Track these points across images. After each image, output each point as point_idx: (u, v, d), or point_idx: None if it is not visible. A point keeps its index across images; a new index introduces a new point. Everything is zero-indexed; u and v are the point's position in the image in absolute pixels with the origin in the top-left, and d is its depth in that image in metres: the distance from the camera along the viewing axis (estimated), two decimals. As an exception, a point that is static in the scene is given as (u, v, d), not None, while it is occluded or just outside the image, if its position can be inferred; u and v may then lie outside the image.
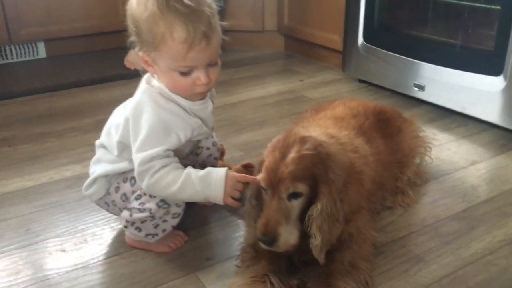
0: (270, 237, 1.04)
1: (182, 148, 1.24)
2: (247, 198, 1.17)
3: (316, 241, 1.06)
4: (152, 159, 1.13)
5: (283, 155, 1.06)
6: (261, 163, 1.11)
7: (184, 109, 1.19)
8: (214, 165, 1.42)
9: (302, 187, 1.05)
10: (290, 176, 1.04)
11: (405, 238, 1.35)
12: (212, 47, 1.11)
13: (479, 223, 1.41)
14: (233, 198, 1.16)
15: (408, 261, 1.25)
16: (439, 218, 1.43)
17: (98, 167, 1.28)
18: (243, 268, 1.18)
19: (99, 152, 1.30)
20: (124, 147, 1.22)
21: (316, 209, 1.05)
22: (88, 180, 1.29)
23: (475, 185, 1.61)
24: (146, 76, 1.22)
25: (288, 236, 1.05)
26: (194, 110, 1.21)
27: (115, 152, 1.23)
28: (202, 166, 1.38)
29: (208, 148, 1.40)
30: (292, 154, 1.05)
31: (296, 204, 1.07)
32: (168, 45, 1.08)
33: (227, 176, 1.15)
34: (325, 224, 1.05)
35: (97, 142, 1.30)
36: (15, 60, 2.91)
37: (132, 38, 1.15)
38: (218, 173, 1.15)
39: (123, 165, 1.25)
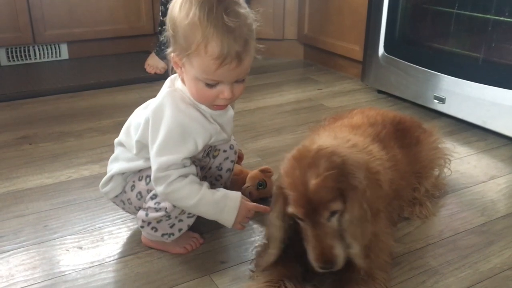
0: (331, 263, 1.05)
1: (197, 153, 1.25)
2: (269, 219, 1.12)
3: (355, 250, 1.07)
4: (168, 167, 1.14)
5: (306, 184, 1.02)
6: (280, 190, 1.08)
7: (203, 115, 1.19)
8: (230, 168, 1.42)
9: (336, 206, 1.04)
10: (323, 202, 1.02)
11: (422, 250, 1.33)
12: (243, 67, 1.11)
13: (498, 237, 1.38)
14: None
15: (425, 273, 1.24)
16: (457, 231, 1.41)
17: (115, 165, 1.29)
18: (258, 273, 1.18)
19: (117, 150, 1.31)
20: (142, 146, 1.23)
21: (345, 220, 1.06)
22: (105, 178, 1.31)
23: (495, 200, 1.58)
24: (171, 77, 1.23)
25: (342, 252, 1.06)
26: (214, 115, 1.21)
27: (134, 151, 1.24)
28: (219, 169, 1.39)
29: (225, 151, 1.41)
30: (314, 180, 1.02)
31: (335, 219, 1.06)
32: (200, 56, 1.08)
33: (240, 204, 1.19)
34: (357, 230, 1.06)
35: (116, 140, 1.31)
36: (39, 60, 2.96)
37: (168, 35, 1.14)
38: (232, 200, 1.19)
39: (139, 164, 1.26)
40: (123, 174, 1.29)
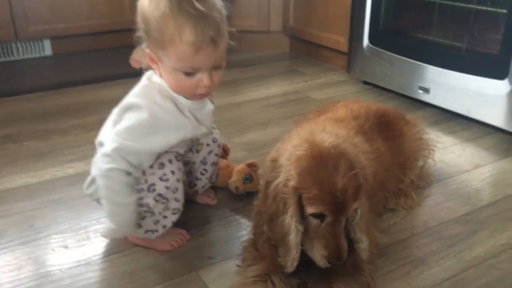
0: (343, 259, 1.06)
1: (177, 149, 1.24)
2: (291, 227, 1.06)
3: (363, 244, 1.10)
4: (128, 154, 1.14)
5: (334, 183, 1.02)
6: (299, 188, 1.05)
7: (180, 109, 1.19)
8: (215, 162, 1.42)
9: (357, 204, 1.06)
10: (349, 202, 1.04)
11: (408, 240, 1.34)
12: (219, 51, 1.12)
13: (482, 226, 1.40)
14: None
15: (410, 263, 1.25)
16: (442, 221, 1.43)
17: None
18: (245, 268, 1.19)
19: (99, 151, 1.30)
20: None
21: (357, 215, 1.08)
22: (88, 179, 1.30)
23: (479, 189, 1.60)
24: (147, 74, 1.23)
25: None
26: (192, 109, 1.21)
27: None
28: (204, 163, 1.39)
29: (208, 145, 1.40)
30: (342, 179, 1.02)
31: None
32: (175, 46, 1.09)
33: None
34: (365, 225, 1.08)
35: (96, 140, 1.30)
36: (21, 57, 2.92)
37: (140, 33, 1.15)
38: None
39: None
40: None
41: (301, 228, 1.06)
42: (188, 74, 1.13)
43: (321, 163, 1.04)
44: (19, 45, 2.89)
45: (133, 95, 1.19)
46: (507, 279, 1.20)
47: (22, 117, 2.16)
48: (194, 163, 1.39)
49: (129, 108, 1.17)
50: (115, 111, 1.22)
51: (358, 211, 1.08)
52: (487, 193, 1.58)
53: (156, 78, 1.20)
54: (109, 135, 1.18)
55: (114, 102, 1.26)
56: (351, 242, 1.12)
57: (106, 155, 1.15)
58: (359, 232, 1.10)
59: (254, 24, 3.11)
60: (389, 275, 1.21)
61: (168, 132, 1.17)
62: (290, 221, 1.05)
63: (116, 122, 1.20)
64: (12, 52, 2.89)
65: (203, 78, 1.13)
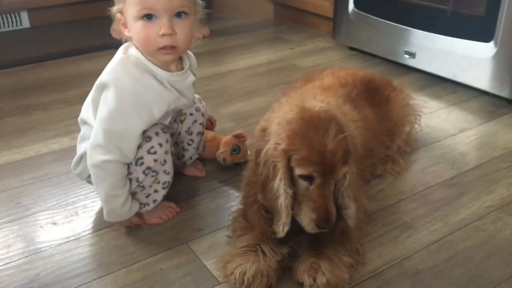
0: (332, 223, 1.06)
1: (162, 121, 1.22)
2: (280, 191, 1.06)
3: (351, 211, 1.11)
4: (124, 139, 1.13)
5: (324, 144, 1.02)
6: (288, 150, 1.05)
7: (160, 81, 1.16)
8: (200, 132, 1.41)
9: (347, 168, 1.06)
10: (339, 164, 1.04)
11: (395, 206, 1.36)
12: None
13: (468, 189, 1.42)
14: None
15: (398, 228, 1.27)
16: (429, 185, 1.45)
17: (82, 144, 1.27)
18: (235, 238, 1.19)
19: (83, 129, 1.28)
20: None
21: (345, 180, 1.09)
22: (75, 159, 1.29)
23: (464, 152, 1.62)
24: (124, 45, 1.19)
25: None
26: (172, 81, 1.18)
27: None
28: (189, 133, 1.37)
29: (191, 114, 1.38)
30: (333, 142, 1.02)
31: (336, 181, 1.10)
32: None
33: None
34: (353, 191, 1.08)
35: (79, 118, 1.28)
36: (-2, 30, 2.84)
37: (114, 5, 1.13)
38: (134, 207, 1.22)
39: None
40: None
41: (290, 191, 1.06)
42: (148, 19, 1.08)
43: (311, 126, 1.04)
44: (-5, 18, 2.80)
45: (110, 72, 1.15)
46: (492, 240, 1.23)
47: (1, 93, 2.11)
48: (180, 133, 1.37)
49: (106, 86, 1.13)
50: (94, 87, 1.19)
51: (347, 176, 1.08)
52: (473, 157, 1.60)
53: (132, 50, 1.16)
54: (95, 124, 1.15)
55: (95, 74, 1.23)
56: (339, 209, 1.12)
57: (99, 145, 1.13)
58: (347, 198, 1.11)
59: (237, -10, 3.05)
60: (377, 240, 1.23)
61: (151, 107, 1.14)
62: (280, 185, 1.06)
63: (95, 101, 1.17)
64: (-12, 25, 2.80)
65: (161, 25, 1.08)
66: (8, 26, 2.86)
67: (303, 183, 1.06)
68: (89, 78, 1.28)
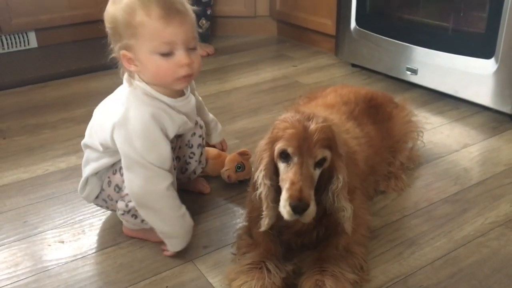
0: (306, 203, 1.03)
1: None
2: (259, 181, 1.11)
3: (347, 213, 1.10)
4: (163, 163, 1.17)
5: (305, 126, 1.06)
6: (274, 137, 1.09)
7: (170, 106, 1.20)
8: (201, 144, 1.42)
9: (328, 154, 1.07)
10: (319, 143, 1.05)
11: (399, 222, 1.37)
12: (188, 24, 1.14)
13: (471, 205, 1.43)
14: None
15: (402, 244, 1.28)
16: (432, 201, 1.46)
17: (87, 167, 1.29)
18: (240, 255, 1.21)
19: (86, 153, 1.30)
20: (107, 146, 1.22)
21: (338, 181, 1.09)
22: (81, 182, 1.31)
23: (468, 168, 1.63)
24: (125, 77, 1.22)
25: (314, 206, 1.06)
26: (178, 106, 1.22)
27: (100, 149, 1.24)
28: (189, 146, 1.39)
29: None
30: (314, 125, 1.06)
31: (317, 174, 1.09)
32: (146, 26, 1.11)
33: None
34: (347, 192, 1.09)
35: (82, 142, 1.31)
36: (7, 50, 2.88)
37: (110, 38, 1.17)
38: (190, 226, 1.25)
39: (109, 160, 1.25)
40: (96, 173, 1.28)
41: (268, 182, 1.10)
42: (165, 55, 1.13)
43: (298, 114, 1.08)
44: (3, 38, 2.85)
45: (125, 109, 1.17)
46: (496, 256, 1.23)
47: (10, 112, 2.14)
48: (180, 147, 1.38)
49: (125, 122, 1.15)
50: (105, 122, 1.20)
51: (339, 177, 1.09)
52: (476, 172, 1.60)
53: (136, 82, 1.20)
54: (133, 165, 1.17)
55: (102, 93, 1.26)
56: (335, 213, 1.13)
57: (152, 177, 1.16)
58: (343, 200, 1.10)
59: (241, 9, 3.09)
60: (381, 257, 1.23)
61: (166, 128, 1.19)
62: (259, 175, 1.10)
63: (125, 137, 1.17)
64: (-4, 45, 2.85)
65: (181, 57, 1.14)
66: (16, 46, 2.91)
67: (282, 166, 1.08)
68: (96, 96, 1.31)
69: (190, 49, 1.16)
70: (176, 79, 1.17)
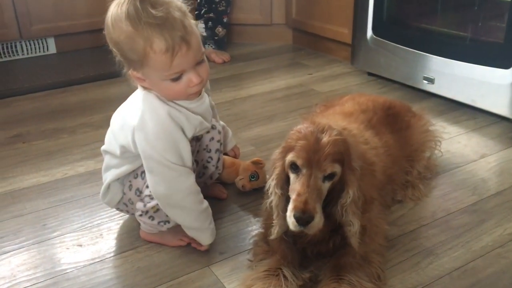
0: (310, 216, 1.03)
1: None
2: (270, 189, 1.13)
3: (354, 228, 1.10)
4: (183, 158, 1.19)
5: (317, 139, 1.06)
6: (288, 147, 1.10)
7: (185, 108, 1.21)
8: (218, 149, 1.42)
9: (338, 169, 1.07)
10: (330, 157, 1.05)
11: (416, 231, 1.36)
12: (194, 48, 1.13)
13: (490, 216, 1.42)
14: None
15: (419, 254, 1.27)
16: (450, 211, 1.45)
17: (108, 173, 1.31)
18: (256, 262, 1.21)
19: (106, 159, 1.32)
20: (125, 150, 1.24)
21: (348, 196, 1.08)
22: (102, 188, 1.32)
23: (485, 178, 1.61)
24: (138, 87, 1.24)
25: (320, 219, 1.05)
26: (192, 108, 1.23)
27: (117, 152, 1.25)
28: (207, 151, 1.40)
29: (208, 132, 1.40)
30: (327, 138, 1.06)
31: (326, 187, 1.08)
32: (151, 58, 1.10)
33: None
34: (357, 210, 1.08)
35: (102, 148, 1.32)
36: (26, 56, 2.94)
37: (119, 59, 1.17)
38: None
39: (129, 167, 1.26)
40: (118, 179, 1.30)
41: (279, 191, 1.11)
42: (175, 79, 1.15)
43: (312, 126, 1.09)
44: (23, 44, 2.91)
45: (141, 108, 1.18)
46: (515, 267, 1.22)
47: (30, 117, 2.18)
48: (198, 151, 1.39)
49: (144, 122, 1.17)
50: (135, 128, 1.19)
51: (350, 191, 1.08)
52: (494, 183, 1.59)
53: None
54: (159, 162, 1.17)
55: (120, 99, 1.28)
56: (343, 226, 1.13)
57: (178, 177, 1.18)
58: (351, 215, 1.10)
59: (257, 17, 3.11)
60: (399, 266, 1.23)
61: (184, 128, 1.21)
62: (271, 184, 1.11)
63: (145, 139, 1.17)
64: (16, 51, 2.90)
65: (191, 78, 1.15)
66: (36, 52, 2.96)
67: (292, 176, 1.09)
68: (114, 102, 1.33)
69: (197, 64, 1.16)
70: (188, 95, 1.19)
